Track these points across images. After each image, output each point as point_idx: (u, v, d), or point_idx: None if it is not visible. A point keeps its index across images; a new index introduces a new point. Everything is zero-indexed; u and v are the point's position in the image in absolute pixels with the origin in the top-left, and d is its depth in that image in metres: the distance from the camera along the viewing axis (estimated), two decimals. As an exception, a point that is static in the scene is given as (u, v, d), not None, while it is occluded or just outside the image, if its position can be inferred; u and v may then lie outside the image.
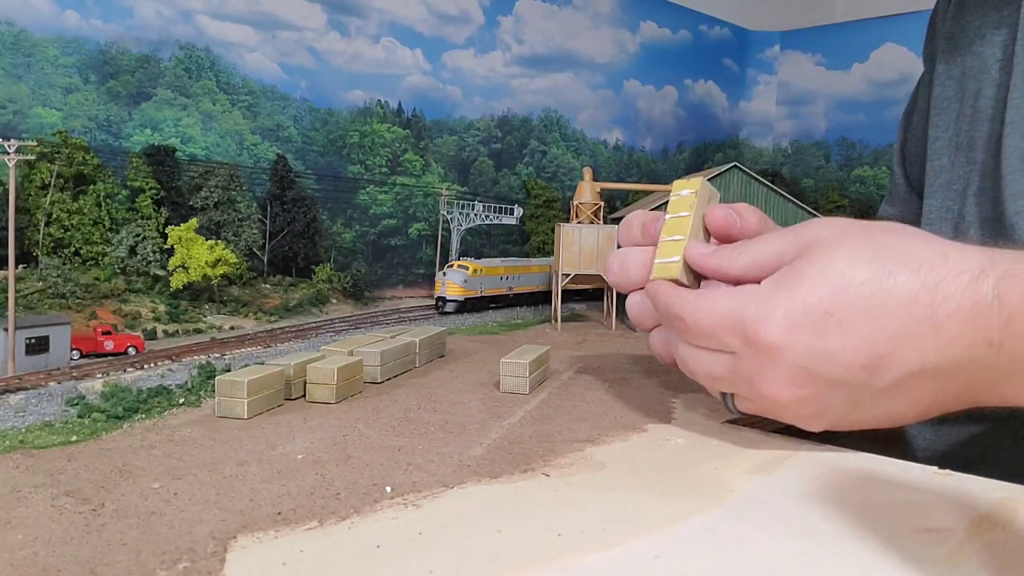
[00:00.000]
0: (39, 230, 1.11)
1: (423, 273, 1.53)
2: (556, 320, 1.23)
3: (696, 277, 0.41)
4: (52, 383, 0.73)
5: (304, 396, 0.51)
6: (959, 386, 0.33)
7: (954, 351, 0.32)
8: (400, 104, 1.52)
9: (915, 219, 0.60)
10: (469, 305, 1.34)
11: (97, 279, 1.11)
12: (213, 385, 0.48)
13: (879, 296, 0.33)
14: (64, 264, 1.09)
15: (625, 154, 1.94)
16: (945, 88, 0.56)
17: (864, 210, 1.96)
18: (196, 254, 1.12)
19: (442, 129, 1.57)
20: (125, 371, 0.81)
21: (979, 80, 0.52)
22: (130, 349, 0.94)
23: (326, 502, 0.32)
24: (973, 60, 0.53)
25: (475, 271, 1.37)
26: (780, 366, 0.34)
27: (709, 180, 0.49)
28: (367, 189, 1.47)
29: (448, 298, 1.33)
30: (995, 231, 0.49)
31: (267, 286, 1.32)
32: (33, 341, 0.81)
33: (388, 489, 0.34)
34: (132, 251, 1.16)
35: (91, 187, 1.15)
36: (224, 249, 1.15)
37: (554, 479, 0.35)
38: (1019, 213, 0.47)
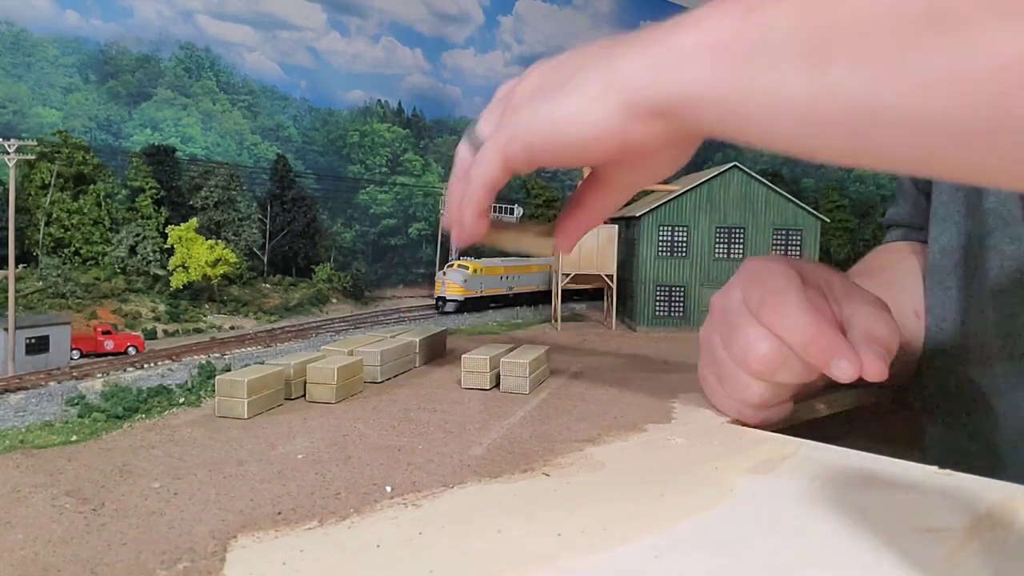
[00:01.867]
0: (39, 230, 1.11)
1: (423, 273, 1.53)
2: (556, 320, 1.23)
3: None
4: (52, 383, 0.74)
5: (304, 396, 0.51)
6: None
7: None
8: (400, 104, 1.52)
9: (925, 218, 0.60)
10: (469, 305, 1.34)
11: (97, 279, 1.11)
12: (213, 385, 0.47)
13: None
14: (64, 264, 1.09)
15: (625, 154, 1.94)
16: None
17: (864, 209, 1.96)
18: (196, 254, 1.13)
19: (442, 129, 1.57)
20: (125, 371, 0.82)
21: None
22: (130, 349, 0.94)
23: (326, 502, 0.32)
24: None
25: (475, 271, 1.37)
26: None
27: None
28: (367, 189, 1.47)
29: (448, 298, 1.33)
30: (1014, 213, 0.48)
31: (267, 286, 1.32)
32: (33, 341, 0.82)
33: (388, 489, 0.34)
34: (132, 251, 1.16)
35: (91, 187, 1.15)
36: (224, 249, 1.16)
37: (554, 479, 0.35)
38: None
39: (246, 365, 0.53)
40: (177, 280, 1.04)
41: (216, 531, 0.29)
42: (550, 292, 1.21)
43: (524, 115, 0.37)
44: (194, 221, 1.08)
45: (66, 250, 1.04)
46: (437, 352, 0.70)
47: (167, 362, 0.80)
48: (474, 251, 1.45)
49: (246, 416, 0.45)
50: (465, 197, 0.41)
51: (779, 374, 0.41)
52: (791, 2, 0.27)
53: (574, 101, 0.34)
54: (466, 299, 1.25)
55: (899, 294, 0.57)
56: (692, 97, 0.30)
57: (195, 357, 0.82)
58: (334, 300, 1.23)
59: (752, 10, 0.28)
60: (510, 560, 0.26)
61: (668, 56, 0.31)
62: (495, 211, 0.46)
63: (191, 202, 1.15)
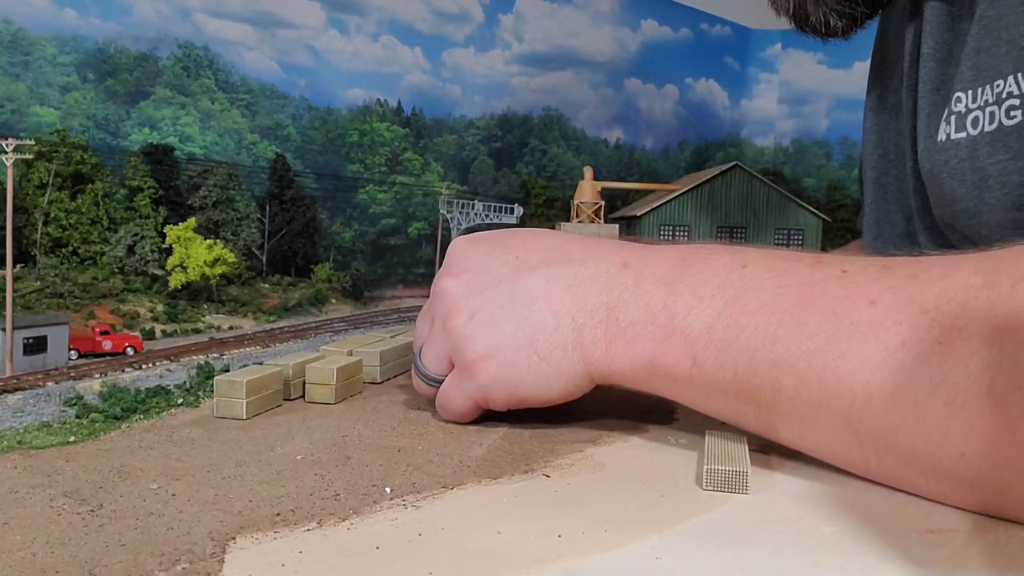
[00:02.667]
0: (37, 229, 1.11)
1: (423, 273, 1.53)
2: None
3: None
4: (50, 383, 0.73)
5: (303, 396, 0.51)
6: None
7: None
8: (400, 103, 1.52)
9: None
10: None
11: (95, 278, 1.11)
12: (211, 385, 0.47)
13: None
14: (62, 263, 1.09)
15: (626, 153, 1.94)
16: (870, 102, 0.59)
17: (864, 209, 1.96)
18: (194, 253, 1.12)
19: (442, 128, 1.57)
20: (123, 371, 0.82)
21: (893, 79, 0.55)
22: (128, 349, 0.94)
23: (325, 503, 0.32)
24: (889, 66, 0.56)
25: None
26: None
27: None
28: (366, 188, 1.47)
29: (448, 297, 1.32)
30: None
31: (266, 286, 1.32)
32: (31, 341, 0.81)
33: (387, 490, 0.33)
34: (130, 250, 1.16)
35: (89, 186, 1.15)
36: (223, 248, 1.15)
37: (555, 480, 0.35)
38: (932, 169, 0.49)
39: (245, 365, 0.52)
40: (175, 280, 1.03)
41: (215, 532, 0.28)
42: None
43: (499, 388, 0.39)
44: (192, 221, 1.08)
45: (64, 250, 1.03)
46: (436, 352, 0.69)
47: (165, 362, 0.80)
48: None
49: (245, 417, 0.45)
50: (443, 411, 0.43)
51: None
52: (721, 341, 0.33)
53: (557, 386, 0.39)
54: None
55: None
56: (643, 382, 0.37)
57: (193, 357, 0.81)
58: (333, 300, 1.22)
59: (691, 346, 0.34)
60: (510, 561, 0.26)
61: (627, 359, 0.37)
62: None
63: (189, 201, 1.15)
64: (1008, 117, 0.40)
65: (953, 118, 0.44)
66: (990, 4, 0.41)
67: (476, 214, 1.41)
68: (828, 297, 0.31)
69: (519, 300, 0.38)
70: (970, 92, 0.43)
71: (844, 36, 0.56)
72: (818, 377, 0.30)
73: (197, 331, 1.00)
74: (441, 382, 0.42)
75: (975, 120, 0.43)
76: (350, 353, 0.57)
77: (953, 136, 0.44)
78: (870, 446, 0.30)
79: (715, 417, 0.37)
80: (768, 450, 0.40)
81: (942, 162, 0.45)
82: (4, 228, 0.83)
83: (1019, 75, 0.40)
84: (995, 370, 0.25)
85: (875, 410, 0.29)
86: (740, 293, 0.33)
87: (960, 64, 0.44)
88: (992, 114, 0.41)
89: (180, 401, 0.50)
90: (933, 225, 0.49)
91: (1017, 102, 0.40)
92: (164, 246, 1.06)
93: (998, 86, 0.41)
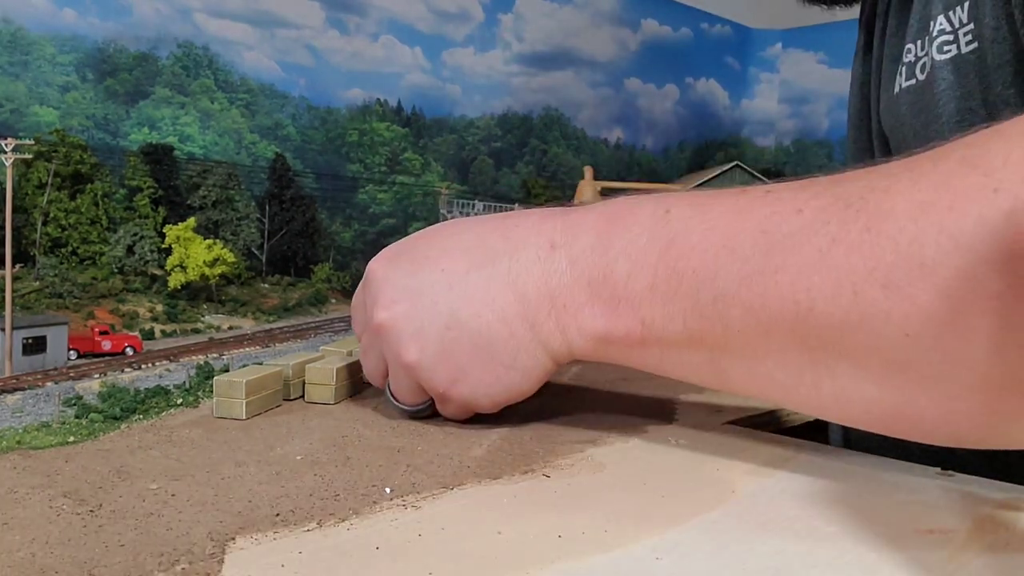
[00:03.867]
0: (36, 229, 1.10)
1: (422, 272, 1.52)
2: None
3: None
4: (49, 383, 0.73)
5: (303, 397, 0.51)
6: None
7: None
8: (399, 102, 1.51)
9: None
10: None
11: (94, 278, 1.10)
12: (211, 385, 0.47)
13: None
14: (61, 263, 1.09)
15: (626, 153, 1.94)
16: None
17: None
18: (194, 253, 1.12)
19: (442, 128, 1.56)
20: (123, 371, 0.81)
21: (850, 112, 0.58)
22: (128, 349, 0.94)
23: (325, 503, 0.32)
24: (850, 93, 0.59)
25: None
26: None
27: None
28: (366, 188, 1.46)
29: (447, 297, 1.32)
30: None
31: (265, 286, 1.32)
32: (30, 341, 0.81)
33: (387, 490, 0.33)
34: (130, 250, 1.15)
35: (88, 186, 1.15)
36: (222, 248, 1.15)
37: (555, 480, 0.35)
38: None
39: (244, 366, 0.53)
40: (175, 280, 1.03)
41: (214, 533, 0.28)
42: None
43: (478, 401, 0.40)
44: (192, 220, 1.08)
45: (63, 250, 1.03)
46: (436, 352, 0.69)
47: (165, 362, 0.79)
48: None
49: (244, 417, 0.45)
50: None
51: None
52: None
53: (530, 382, 0.39)
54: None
55: None
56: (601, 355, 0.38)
57: (193, 357, 0.81)
58: (333, 300, 1.22)
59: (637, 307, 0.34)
60: (510, 561, 0.26)
61: (584, 338, 0.37)
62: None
63: (189, 201, 1.14)
64: (940, 52, 0.41)
65: (904, 68, 0.45)
66: None
67: (476, 214, 1.42)
68: (756, 217, 0.31)
69: (463, 316, 0.37)
70: (918, 42, 0.44)
71: (847, 3, 0.57)
72: (760, 300, 0.30)
73: (197, 331, 1.00)
74: (425, 407, 0.42)
75: (923, 66, 0.43)
76: (350, 353, 0.57)
77: (904, 85, 0.45)
78: (821, 361, 0.29)
79: (674, 378, 0.36)
80: (770, 452, 0.40)
81: (894, 114, 0.46)
82: (3, 228, 0.83)
83: (948, 13, 0.41)
84: (922, 242, 0.25)
85: (820, 316, 0.28)
86: (671, 240, 0.33)
87: (910, 17, 0.45)
88: (930, 56, 0.42)
89: (180, 401, 0.50)
90: None
91: (949, 37, 0.41)
92: (163, 246, 1.06)
93: (931, 28, 0.42)
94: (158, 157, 1.21)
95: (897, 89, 0.46)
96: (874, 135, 0.54)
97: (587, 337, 0.37)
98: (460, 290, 0.38)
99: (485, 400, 0.40)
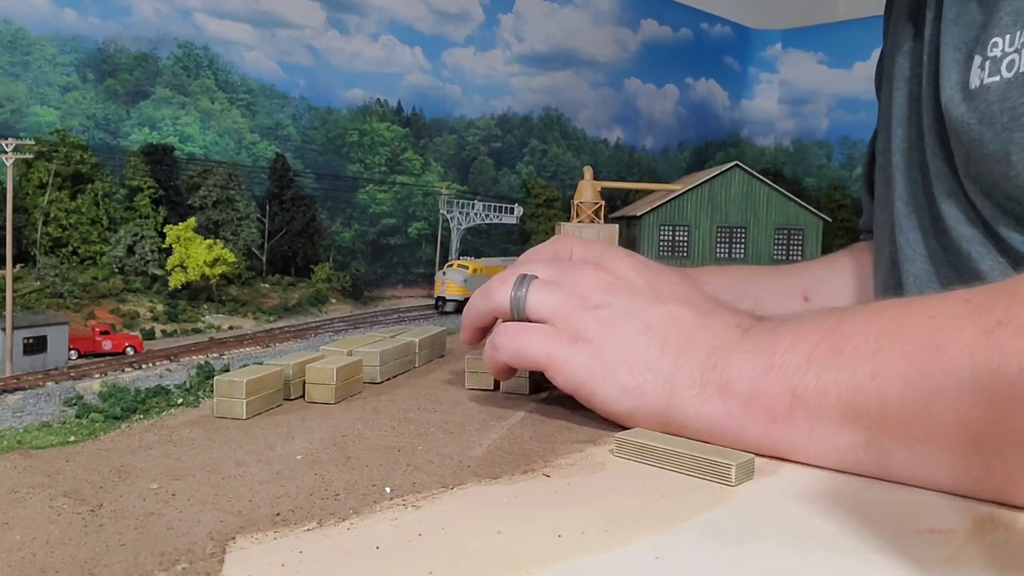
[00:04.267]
0: (37, 229, 1.11)
1: (422, 273, 1.53)
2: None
3: None
4: (50, 383, 0.73)
5: (303, 396, 0.51)
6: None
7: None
8: (400, 103, 1.51)
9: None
10: None
11: (95, 278, 1.10)
12: (211, 385, 0.47)
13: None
14: (62, 263, 1.09)
15: (626, 153, 1.94)
16: (882, 107, 0.60)
17: (864, 209, 1.96)
18: (194, 253, 1.12)
19: (442, 128, 1.56)
20: (123, 371, 0.81)
21: (891, 103, 0.56)
22: (128, 349, 0.94)
23: (325, 503, 0.32)
24: (887, 82, 0.58)
25: (475, 271, 1.36)
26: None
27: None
28: (366, 188, 1.46)
29: (448, 298, 1.32)
30: (935, 248, 0.52)
31: (266, 285, 1.32)
32: (31, 341, 0.81)
33: (388, 490, 0.33)
34: (130, 250, 1.15)
35: (89, 186, 1.15)
36: (222, 248, 1.15)
37: (554, 480, 0.35)
38: (956, 231, 0.49)
39: (245, 365, 0.52)
40: (175, 280, 1.03)
41: (214, 532, 0.28)
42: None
43: (576, 371, 0.40)
44: (192, 220, 1.08)
45: (64, 250, 1.03)
46: (437, 352, 0.70)
47: (165, 362, 0.79)
48: (474, 251, 1.44)
49: (244, 417, 0.45)
50: (485, 349, 0.45)
51: None
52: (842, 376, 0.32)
53: (627, 403, 0.39)
54: (466, 299, 1.25)
55: (786, 278, 0.66)
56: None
57: (193, 357, 0.81)
58: (333, 300, 1.22)
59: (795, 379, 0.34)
60: (510, 561, 0.26)
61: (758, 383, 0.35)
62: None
63: (189, 201, 1.14)
64: None
65: (988, 63, 0.45)
66: None
67: (476, 214, 1.41)
68: (923, 307, 0.32)
69: (641, 321, 0.40)
70: (1007, 36, 0.43)
71: None
72: (921, 373, 0.30)
73: (197, 331, 1.00)
74: (521, 308, 0.42)
75: (1011, 63, 0.43)
76: (350, 353, 0.57)
77: (986, 81, 0.44)
78: (987, 441, 0.28)
79: (815, 464, 0.34)
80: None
81: (972, 108, 0.45)
82: (4, 228, 0.83)
83: None
84: None
85: (983, 391, 0.28)
86: (838, 323, 0.34)
87: (999, 11, 0.44)
88: None
89: (180, 401, 0.50)
90: (953, 190, 0.49)
91: None
92: (164, 246, 1.06)
93: None
94: (159, 157, 1.21)
95: (976, 84, 0.45)
96: (927, 130, 0.52)
97: (727, 400, 0.35)
98: (654, 309, 0.40)
99: (582, 375, 0.40)
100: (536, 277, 0.43)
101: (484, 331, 0.48)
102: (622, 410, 0.39)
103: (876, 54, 0.66)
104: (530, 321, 0.42)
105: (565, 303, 0.41)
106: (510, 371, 0.47)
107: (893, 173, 0.56)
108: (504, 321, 0.45)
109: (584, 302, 0.41)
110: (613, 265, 0.43)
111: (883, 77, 0.60)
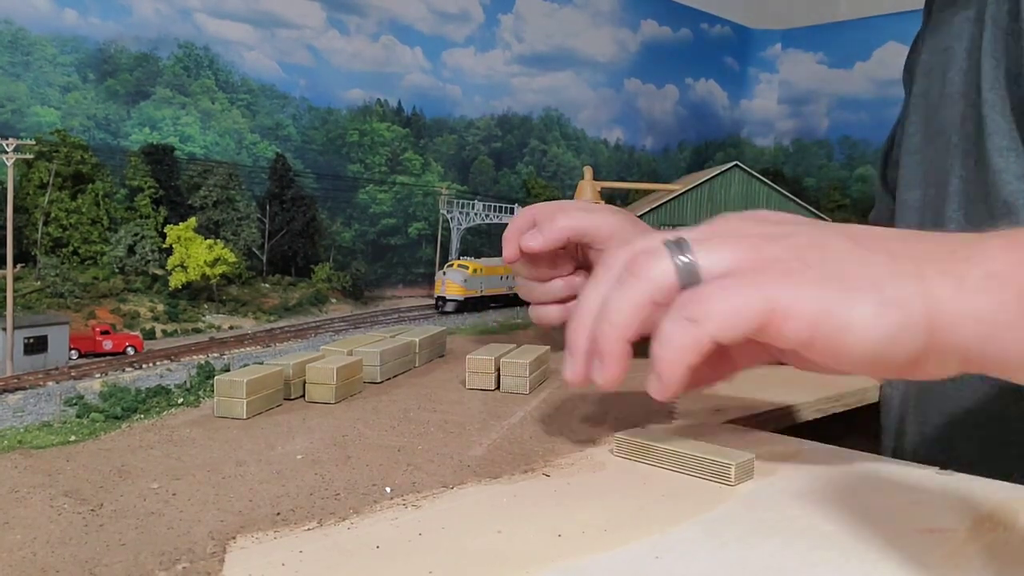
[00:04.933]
0: (37, 229, 1.10)
1: (423, 272, 1.52)
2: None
3: None
4: (50, 383, 0.73)
5: (303, 396, 0.51)
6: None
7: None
8: (400, 103, 1.51)
9: (892, 218, 0.63)
10: (469, 305, 1.34)
11: (95, 278, 1.10)
12: (212, 385, 0.47)
13: None
14: (62, 263, 1.09)
15: (626, 153, 1.94)
16: (918, 86, 0.59)
17: (866, 209, 1.96)
18: (195, 253, 1.12)
19: (442, 128, 1.56)
20: (124, 371, 0.81)
21: (945, 71, 0.54)
22: (129, 349, 0.94)
23: (325, 502, 0.32)
24: (940, 56, 0.55)
25: (475, 271, 1.36)
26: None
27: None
28: (366, 188, 1.46)
29: (448, 298, 1.32)
30: (980, 211, 0.50)
31: (266, 285, 1.32)
32: (31, 341, 0.81)
33: (388, 489, 0.33)
34: (130, 250, 1.15)
35: (89, 186, 1.15)
36: (223, 248, 1.15)
37: (554, 479, 0.35)
38: (1008, 188, 0.47)
39: (245, 365, 0.53)
40: (175, 280, 1.03)
41: (215, 532, 0.28)
42: (550, 292, 1.21)
43: (805, 302, 0.29)
44: (193, 220, 1.08)
45: (64, 249, 1.03)
46: (437, 352, 0.70)
47: (166, 362, 0.79)
48: (474, 251, 1.45)
49: (245, 416, 0.45)
50: (658, 339, 0.33)
51: None
52: None
53: (885, 323, 0.29)
54: (466, 299, 1.24)
55: None
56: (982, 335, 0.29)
57: (194, 357, 0.81)
58: (333, 300, 1.22)
59: None
60: (510, 561, 0.26)
61: (976, 297, 0.29)
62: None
63: (190, 201, 1.14)
64: None
65: None
66: None
67: (476, 214, 1.41)
68: None
69: (843, 234, 0.32)
70: None
71: None
72: None
73: (197, 331, 1.00)
74: (694, 273, 0.32)
75: None
76: (350, 353, 0.57)
77: None
78: None
79: None
80: (769, 451, 0.40)
81: None
82: (4, 228, 0.83)
83: None
84: None
85: None
86: None
87: None
88: None
89: (180, 401, 0.50)
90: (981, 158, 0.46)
91: None
92: (164, 246, 1.06)
93: None
94: (159, 157, 1.21)
95: None
96: (988, 106, 0.48)
97: (994, 289, 0.28)
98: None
99: (816, 303, 0.30)
100: (684, 239, 0.34)
101: (644, 342, 0.35)
102: (885, 330, 0.29)
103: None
104: (694, 272, 0.32)
105: (748, 246, 0.32)
106: (715, 363, 0.35)
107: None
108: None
109: (766, 237, 0.32)
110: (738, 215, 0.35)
111: (918, 64, 0.58)
